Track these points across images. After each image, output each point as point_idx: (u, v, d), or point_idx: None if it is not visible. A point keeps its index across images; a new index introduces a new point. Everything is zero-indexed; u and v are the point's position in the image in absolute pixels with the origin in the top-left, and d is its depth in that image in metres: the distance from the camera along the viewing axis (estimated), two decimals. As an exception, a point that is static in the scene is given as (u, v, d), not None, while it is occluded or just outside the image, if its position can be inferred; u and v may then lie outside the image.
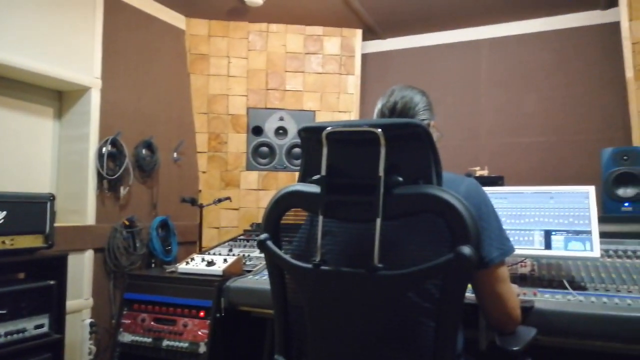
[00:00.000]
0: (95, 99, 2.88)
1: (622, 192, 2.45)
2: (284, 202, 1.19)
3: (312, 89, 3.84)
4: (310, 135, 1.16)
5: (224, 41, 3.79)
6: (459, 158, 3.55)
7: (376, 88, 3.94)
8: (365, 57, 4.01)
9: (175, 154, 3.52)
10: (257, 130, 3.78)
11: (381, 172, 1.05)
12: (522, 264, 2.13)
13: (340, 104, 3.85)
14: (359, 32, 3.88)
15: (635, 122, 2.95)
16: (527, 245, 1.92)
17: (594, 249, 1.81)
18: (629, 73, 2.97)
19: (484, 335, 1.55)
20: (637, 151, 2.46)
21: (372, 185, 1.05)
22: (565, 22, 3.48)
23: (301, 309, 1.20)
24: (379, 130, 1.04)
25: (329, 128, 1.09)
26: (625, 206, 2.41)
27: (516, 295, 1.32)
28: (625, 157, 2.46)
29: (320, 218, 1.10)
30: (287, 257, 1.17)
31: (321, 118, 3.80)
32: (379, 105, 1.42)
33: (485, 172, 3.02)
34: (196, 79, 3.74)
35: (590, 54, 3.39)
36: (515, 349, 1.24)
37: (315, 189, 1.12)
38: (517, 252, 1.92)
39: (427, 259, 1.02)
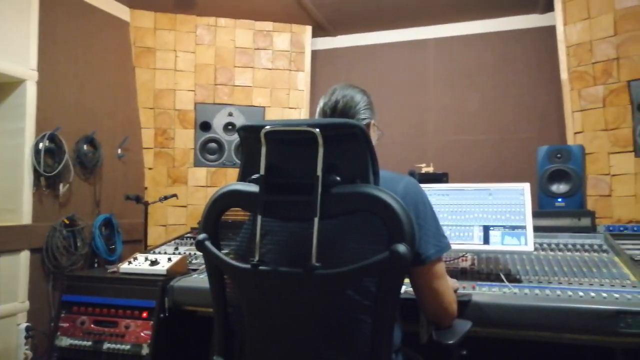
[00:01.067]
0: (30, 91, 2.74)
1: (555, 188, 2.58)
2: (222, 202, 1.18)
3: (261, 84, 3.81)
4: (249, 134, 1.15)
5: (170, 34, 3.69)
6: (406, 155, 3.62)
7: (326, 85, 3.93)
8: (315, 53, 4.01)
9: (119, 150, 3.40)
10: (205, 126, 3.72)
11: (319, 172, 1.06)
12: (463, 258, 2.20)
13: (291, 100, 3.84)
14: (308, 29, 3.88)
15: (569, 122, 3.11)
16: (467, 241, 1.99)
17: (528, 243, 1.90)
18: (564, 75, 3.13)
19: (424, 329, 1.59)
20: (569, 149, 2.60)
21: (310, 184, 1.06)
22: (506, 24, 3.61)
23: (241, 309, 1.19)
24: (317, 130, 1.05)
25: (267, 127, 1.09)
26: (559, 202, 2.54)
27: (453, 290, 1.37)
28: (558, 155, 2.59)
29: (259, 218, 1.09)
30: (226, 257, 1.15)
31: (271, 114, 3.78)
32: (320, 104, 1.43)
33: (430, 169, 3.10)
34: (142, 73, 3.63)
35: (529, 56, 3.54)
36: (450, 342, 1.28)
37: (254, 188, 1.11)
38: (458, 247, 2.01)
39: (364, 257, 1.04)
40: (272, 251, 1.16)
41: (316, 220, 1.04)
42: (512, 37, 3.61)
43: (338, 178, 1.07)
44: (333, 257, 1.06)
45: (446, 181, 2.90)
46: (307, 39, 3.89)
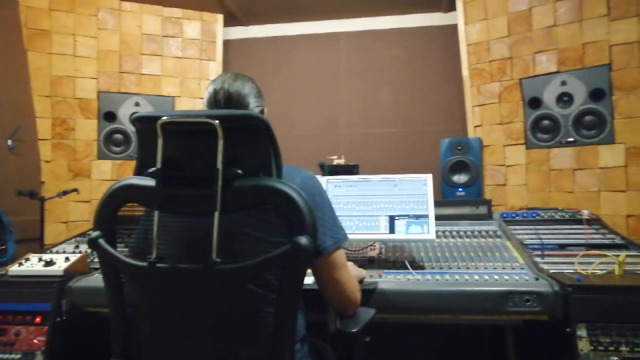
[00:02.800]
0: None
1: (456, 178, 2.74)
2: (117, 197, 1.11)
3: (171, 73, 3.67)
4: (145, 125, 1.09)
5: (69, 17, 3.43)
6: (318, 147, 3.67)
7: (239, 76, 3.89)
8: (227, 43, 3.93)
9: (10, 142, 3.11)
10: (110, 116, 3.51)
11: (219, 165, 1.03)
12: (372, 247, 2.27)
13: (202, 90, 3.73)
14: (220, 17, 3.78)
15: (470, 116, 3.31)
16: (374, 230, 2.06)
17: (430, 231, 2.00)
18: (465, 72, 3.32)
19: (332, 318, 1.62)
20: (468, 142, 2.76)
21: (211, 178, 1.03)
22: (413, 21, 3.76)
23: (140, 308, 1.14)
24: (217, 121, 1.02)
25: (164, 118, 1.04)
26: (459, 191, 2.70)
27: (358, 279, 1.40)
28: (459, 147, 2.75)
29: (156, 213, 1.05)
30: (121, 256, 1.09)
31: (181, 104, 3.65)
32: (210, 91, 1.34)
33: (342, 161, 3.16)
34: (36, 58, 3.34)
35: (434, 53, 3.71)
36: (353, 330, 1.32)
37: (151, 182, 1.06)
38: (365, 236, 2.07)
39: (265, 250, 1.03)
40: (171, 247, 1.11)
41: (216, 214, 1.02)
42: (419, 34, 3.77)
43: (239, 171, 1.05)
44: (234, 252, 1.05)
45: (357, 173, 2.97)
46: (218, 28, 3.79)
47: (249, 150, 1.09)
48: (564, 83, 2.96)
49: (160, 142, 1.05)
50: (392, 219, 2.05)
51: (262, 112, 1.40)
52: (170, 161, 1.06)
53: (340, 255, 1.31)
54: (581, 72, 2.91)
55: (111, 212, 1.13)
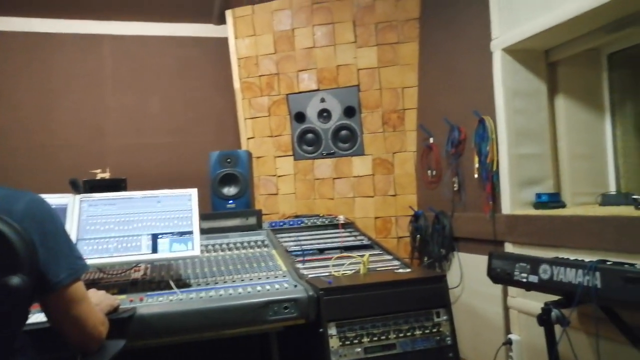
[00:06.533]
0: None
1: (226, 190, 2.76)
2: None
3: None
4: None
5: None
6: (81, 159, 3.30)
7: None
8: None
9: None
10: None
11: None
12: (136, 268, 2.13)
13: None
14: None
15: (242, 128, 3.39)
16: (135, 251, 1.92)
17: (195, 247, 1.95)
18: (237, 84, 3.39)
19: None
20: (237, 154, 2.82)
21: None
22: (185, 30, 3.69)
23: None
24: None
25: None
26: (230, 203, 2.73)
27: (98, 311, 1.26)
28: (228, 160, 2.78)
29: None
30: None
31: None
32: None
33: (107, 175, 2.90)
34: None
35: (208, 63, 3.70)
36: (97, 368, 1.19)
37: None
38: (127, 258, 1.92)
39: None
40: None
41: None
42: (191, 44, 3.70)
43: None
44: None
45: (125, 187, 2.76)
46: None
47: None
48: (323, 100, 3.26)
49: None
50: (155, 238, 1.94)
51: None
52: None
53: (78, 288, 1.17)
54: (337, 91, 3.24)
55: None
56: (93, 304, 1.23)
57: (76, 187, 2.20)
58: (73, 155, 3.36)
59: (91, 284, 1.92)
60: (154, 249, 1.93)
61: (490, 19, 2.33)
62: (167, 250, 1.93)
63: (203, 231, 2.54)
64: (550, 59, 2.29)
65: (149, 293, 1.87)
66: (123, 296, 1.81)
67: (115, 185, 2.77)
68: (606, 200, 2.09)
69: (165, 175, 3.43)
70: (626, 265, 1.45)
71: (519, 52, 2.25)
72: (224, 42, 3.53)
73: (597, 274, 1.45)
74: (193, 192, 2.07)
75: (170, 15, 3.59)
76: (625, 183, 2.21)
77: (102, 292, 1.58)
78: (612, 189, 2.23)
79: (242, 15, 3.38)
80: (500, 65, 2.27)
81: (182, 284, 1.96)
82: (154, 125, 3.56)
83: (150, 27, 3.61)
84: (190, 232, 1.98)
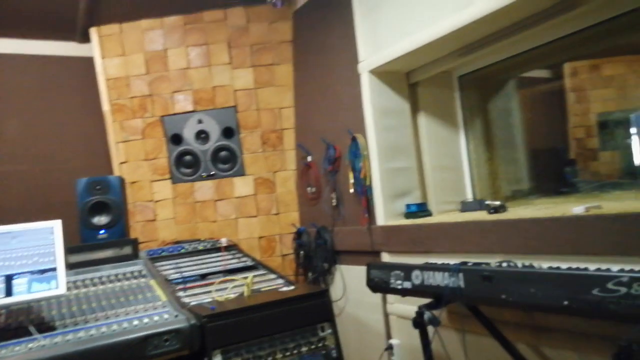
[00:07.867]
0: None
1: (97, 220, 2.57)
2: None
3: None
4: None
5: None
6: None
7: None
8: None
9: None
10: None
11: None
12: (-11, 316, 1.88)
13: None
14: None
15: (114, 153, 3.18)
16: (-14, 296, 1.70)
17: (59, 285, 1.78)
18: (106, 106, 3.18)
19: None
20: (107, 181, 2.65)
21: None
22: (45, 48, 3.38)
23: None
24: None
25: None
26: (101, 233, 2.54)
27: None
28: (98, 187, 2.60)
29: None
30: None
31: None
32: None
33: (-50, 211, 2.53)
34: None
35: (72, 84, 3.42)
36: None
37: None
38: (-26, 305, 1.68)
39: None
40: None
41: None
42: (53, 62, 3.40)
43: None
44: None
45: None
46: None
47: None
48: (200, 121, 3.19)
49: None
50: (9, 279, 1.74)
51: None
52: None
53: None
54: (214, 112, 3.20)
55: None
56: None
57: None
58: None
59: None
60: (8, 292, 1.72)
61: (357, 42, 2.48)
62: (25, 292, 1.74)
63: (71, 266, 2.34)
64: (411, 80, 2.49)
65: (4, 343, 1.66)
66: (-29, 350, 1.59)
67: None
68: (465, 207, 2.30)
69: (26, 207, 3.08)
70: (483, 265, 1.61)
71: (384, 74, 2.42)
72: (89, 61, 3.30)
73: (460, 275, 1.59)
74: (56, 224, 1.89)
75: (28, 31, 3.27)
76: (480, 191, 2.47)
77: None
78: (469, 196, 2.48)
79: (108, 33, 3.19)
80: (368, 86, 2.41)
81: (45, 327, 1.77)
82: (12, 151, 3.18)
83: (7, 44, 3.26)
84: (54, 269, 1.80)
